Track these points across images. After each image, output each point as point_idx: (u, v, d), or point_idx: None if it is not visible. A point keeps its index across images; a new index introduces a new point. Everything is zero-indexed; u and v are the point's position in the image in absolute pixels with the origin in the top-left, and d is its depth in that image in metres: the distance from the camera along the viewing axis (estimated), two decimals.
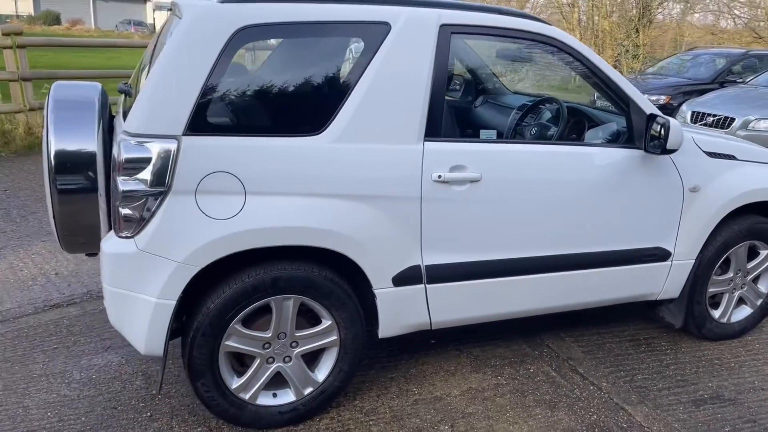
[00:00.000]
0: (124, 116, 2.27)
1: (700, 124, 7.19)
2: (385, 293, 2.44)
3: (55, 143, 2.25)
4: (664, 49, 20.19)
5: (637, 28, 17.28)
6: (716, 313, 3.26)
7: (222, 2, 2.20)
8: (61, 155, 2.25)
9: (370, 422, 2.53)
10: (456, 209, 2.46)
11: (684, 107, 7.76)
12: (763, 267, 3.28)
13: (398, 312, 2.50)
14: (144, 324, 2.17)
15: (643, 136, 2.71)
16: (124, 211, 2.09)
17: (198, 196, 2.12)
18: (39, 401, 2.58)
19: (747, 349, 3.27)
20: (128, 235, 2.12)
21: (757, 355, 3.21)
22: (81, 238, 2.45)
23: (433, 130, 2.40)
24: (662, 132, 2.59)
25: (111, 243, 2.16)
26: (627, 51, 17.18)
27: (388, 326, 2.52)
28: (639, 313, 3.56)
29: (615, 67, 16.64)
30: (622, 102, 2.76)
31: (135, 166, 2.06)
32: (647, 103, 2.75)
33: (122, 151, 2.06)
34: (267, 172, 2.18)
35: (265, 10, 2.21)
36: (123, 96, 2.63)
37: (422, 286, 2.50)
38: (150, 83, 2.10)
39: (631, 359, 3.11)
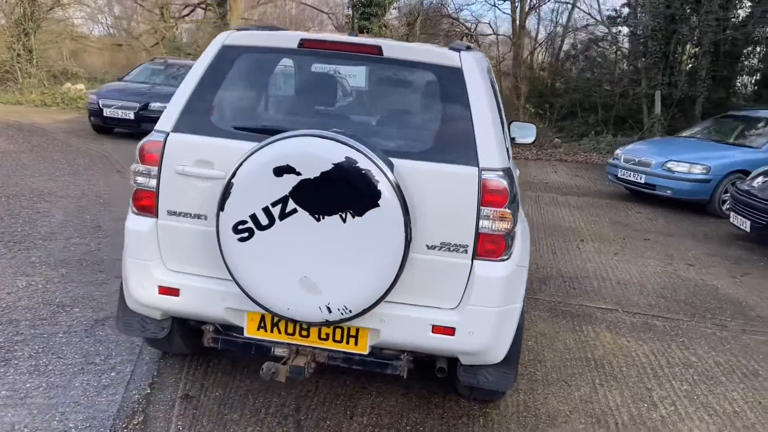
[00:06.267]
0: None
1: (630, 164, 8.83)
2: None
3: None
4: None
5: (26, 31, 16.37)
6: None
7: (454, 50, 2.60)
8: None
9: None
10: None
11: (618, 151, 9.34)
12: None
13: None
14: (511, 330, 2.50)
15: None
16: (506, 236, 2.36)
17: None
18: None
19: None
20: (505, 257, 2.39)
21: None
22: None
23: None
24: None
25: (494, 267, 2.37)
26: (19, 55, 16.41)
27: None
28: None
29: (8, 72, 15.93)
30: None
31: (509, 195, 2.36)
32: None
33: (508, 185, 2.34)
34: None
35: (478, 55, 2.76)
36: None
37: None
38: (490, 126, 2.43)
39: None
